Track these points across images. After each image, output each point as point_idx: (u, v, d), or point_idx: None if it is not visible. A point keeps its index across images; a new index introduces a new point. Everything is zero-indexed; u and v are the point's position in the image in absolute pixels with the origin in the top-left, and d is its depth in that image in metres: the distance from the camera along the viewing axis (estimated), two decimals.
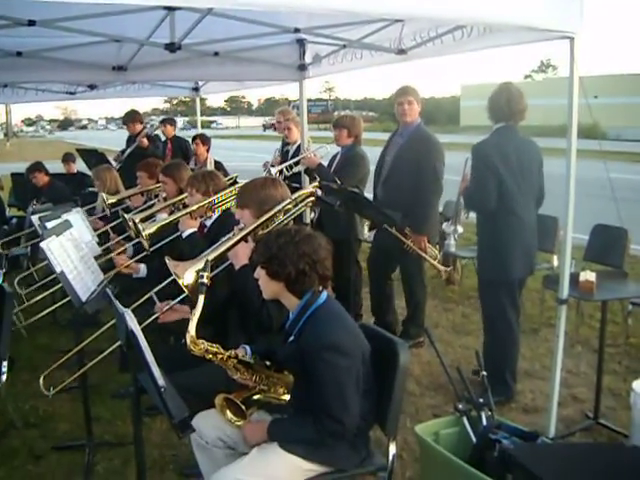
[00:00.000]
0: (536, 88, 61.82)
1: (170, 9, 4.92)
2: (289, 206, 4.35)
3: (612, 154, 25.37)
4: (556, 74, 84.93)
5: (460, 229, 6.92)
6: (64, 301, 5.11)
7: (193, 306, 3.45)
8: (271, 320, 3.86)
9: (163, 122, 11.69)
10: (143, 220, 5.32)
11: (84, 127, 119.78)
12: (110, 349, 4.49)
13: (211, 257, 3.90)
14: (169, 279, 4.33)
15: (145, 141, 10.28)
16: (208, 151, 9.81)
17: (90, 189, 8.86)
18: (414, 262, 6.86)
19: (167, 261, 4.05)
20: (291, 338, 3.42)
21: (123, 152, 10.80)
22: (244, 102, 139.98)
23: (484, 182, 5.41)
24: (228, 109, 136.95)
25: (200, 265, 3.78)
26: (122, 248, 6.02)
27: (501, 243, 5.51)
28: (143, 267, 5.81)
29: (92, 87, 8.74)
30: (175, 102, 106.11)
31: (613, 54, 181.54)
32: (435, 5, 3.82)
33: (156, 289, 4.70)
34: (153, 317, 4.62)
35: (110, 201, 6.76)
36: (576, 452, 3.77)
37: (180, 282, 3.86)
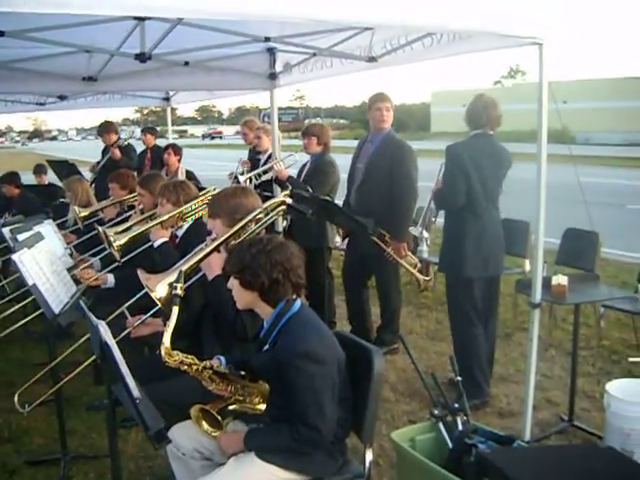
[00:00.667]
0: (506, 94, 62.16)
1: (140, 19, 4.92)
2: (260, 215, 4.34)
3: (581, 158, 25.58)
4: (525, 80, 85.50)
5: (426, 234, 6.99)
6: (36, 314, 5.07)
7: (167, 318, 3.44)
8: (245, 330, 3.85)
9: (144, 131, 11.64)
10: (118, 233, 5.29)
11: (54, 138, 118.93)
12: (86, 363, 4.47)
13: (184, 268, 3.88)
14: (142, 292, 4.32)
15: (117, 152, 10.25)
16: (179, 161, 9.76)
17: (61, 200, 8.79)
18: (390, 269, 6.89)
19: (139, 274, 4.03)
20: (266, 347, 3.41)
21: (98, 163, 10.75)
22: (215, 111, 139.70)
23: (455, 180, 5.55)
24: (199, 118, 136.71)
25: (172, 278, 3.77)
26: (87, 264, 5.96)
27: (457, 241, 5.65)
28: (111, 277, 5.76)
29: (62, 98, 8.71)
30: (146, 112, 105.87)
31: (582, 60, 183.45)
32: (405, 13, 3.85)
33: (128, 303, 4.68)
34: (125, 332, 4.59)
35: (82, 214, 6.71)
36: (551, 454, 3.80)
37: (153, 295, 3.84)
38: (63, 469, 4.68)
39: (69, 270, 5.53)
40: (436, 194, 5.91)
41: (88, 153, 12.89)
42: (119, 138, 10.82)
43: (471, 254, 5.63)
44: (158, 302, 3.82)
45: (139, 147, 11.62)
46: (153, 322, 4.73)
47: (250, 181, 7.70)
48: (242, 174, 8.12)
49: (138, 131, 13.54)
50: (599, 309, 6.91)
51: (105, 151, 10.84)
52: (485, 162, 5.55)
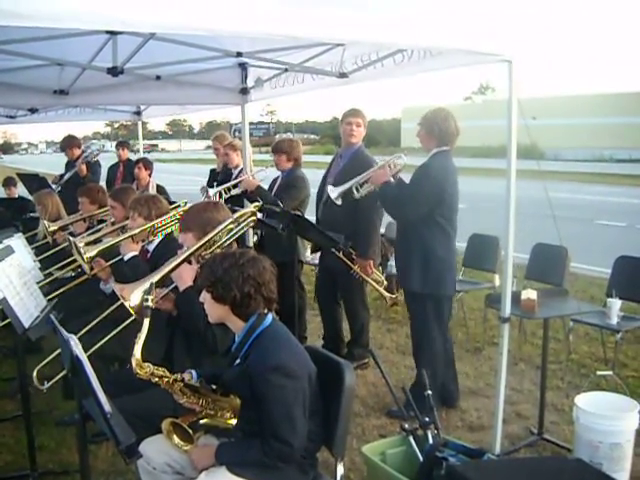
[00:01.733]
0: (476, 110, 62.91)
1: (113, 33, 4.92)
2: (231, 226, 4.36)
3: (550, 174, 25.85)
4: (495, 96, 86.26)
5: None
6: (3, 324, 5.01)
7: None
8: (216, 343, 3.86)
9: (118, 146, 11.61)
10: (89, 244, 5.27)
11: (24, 151, 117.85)
12: (56, 378, 4.44)
13: (155, 279, 3.89)
14: (116, 304, 4.31)
15: (84, 169, 10.20)
16: (150, 175, 9.71)
17: (31, 214, 8.75)
18: (355, 284, 6.91)
19: (113, 285, 4.03)
20: (237, 361, 3.41)
21: (62, 176, 10.69)
22: (185, 125, 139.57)
23: (419, 197, 5.55)
24: (170, 132, 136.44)
25: (145, 286, 3.78)
26: (74, 265, 5.88)
27: (437, 259, 5.62)
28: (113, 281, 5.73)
29: (33, 111, 8.64)
30: (117, 126, 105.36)
31: (550, 77, 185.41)
32: (376, 29, 3.89)
33: (107, 312, 4.67)
34: (114, 333, 4.58)
35: (52, 228, 6.68)
36: (522, 466, 3.83)
37: (126, 304, 3.83)
38: None
39: (44, 280, 5.52)
40: (389, 190, 5.79)
41: (58, 167, 12.81)
42: (82, 152, 10.79)
43: (451, 273, 5.77)
44: (131, 311, 3.81)
45: (111, 160, 11.59)
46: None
47: (220, 195, 7.68)
48: (212, 187, 8.10)
49: (108, 145, 13.54)
50: (568, 323, 6.97)
51: (68, 165, 10.80)
52: (453, 180, 5.65)
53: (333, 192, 6.19)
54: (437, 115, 5.65)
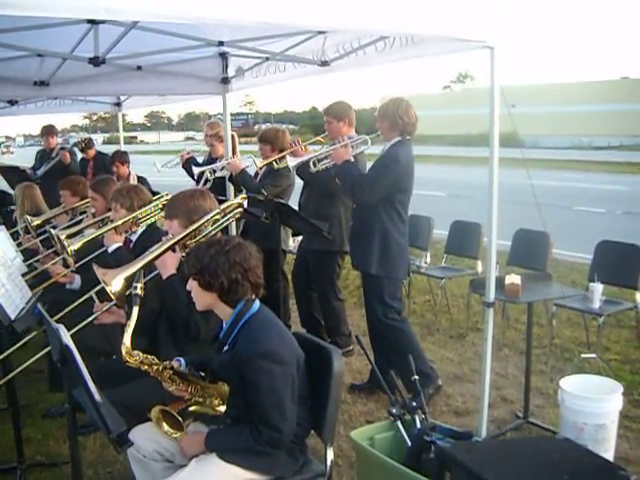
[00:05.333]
0: (455, 98, 63.10)
1: (94, 22, 4.88)
2: (217, 217, 4.37)
3: (530, 161, 25.95)
4: (474, 85, 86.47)
5: None
6: None
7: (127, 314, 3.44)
8: (198, 330, 3.88)
9: (82, 151, 11.35)
10: (70, 236, 5.25)
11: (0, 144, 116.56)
12: (33, 358, 4.43)
13: (139, 266, 3.88)
14: (97, 287, 4.31)
15: (68, 156, 10.15)
16: (128, 167, 9.63)
17: (12, 207, 8.68)
18: (326, 273, 6.99)
19: (94, 268, 4.01)
20: (225, 347, 3.42)
21: (34, 168, 10.61)
22: (164, 117, 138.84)
23: (385, 182, 5.60)
24: (148, 125, 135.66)
25: (128, 272, 3.78)
26: (55, 260, 5.90)
27: (395, 244, 5.72)
28: (77, 278, 5.74)
29: (12, 103, 8.56)
30: (95, 118, 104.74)
31: (529, 65, 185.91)
32: (357, 16, 3.89)
33: (88, 294, 4.67)
34: (92, 317, 4.56)
35: (35, 223, 6.63)
36: (511, 447, 3.88)
37: (108, 289, 3.83)
38: (19, 478, 4.60)
39: (29, 273, 5.50)
40: (350, 169, 5.81)
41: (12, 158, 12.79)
42: (57, 143, 10.76)
43: (405, 259, 5.91)
44: (113, 297, 3.80)
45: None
46: (117, 312, 4.70)
47: (206, 182, 7.66)
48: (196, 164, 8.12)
49: (73, 140, 13.35)
50: (551, 308, 7.02)
51: (43, 156, 10.73)
52: (412, 169, 5.74)
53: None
54: (399, 107, 5.66)
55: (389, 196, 5.63)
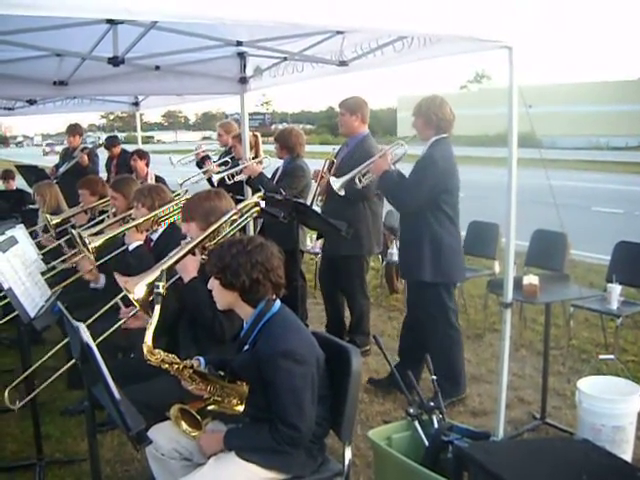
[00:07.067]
0: (472, 98, 62.90)
1: (113, 22, 4.90)
2: (235, 217, 4.37)
3: (548, 162, 25.88)
4: (491, 84, 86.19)
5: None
6: (5, 319, 5.03)
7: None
8: (223, 331, 3.89)
9: (107, 147, 11.49)
10: (93, 235, 5.28)
11: (20, 144, 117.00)
12: (64, 368, 4.45)
13: (159, 271, 3.89)
14: (120, 295, 4.33)
15: (86, 159, 10.22)
16: (147, 165, 9.67)
17: (30, 206, 8.73)
18: (354, 271, 6.98)
19: (116, 276, 4.04)
20: (246, 347, 3.44)
21: (57, 167, 10.68)
22: (181, 117, 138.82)
23: (424, 186, 5.52)
24: (165, 124, 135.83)
25: (150, 278, 3.78)
26: (82, 255, 5.91)
27: (447, 248, 5.61)
28: (103, 277, 5.76)
29: (31, 102, 8.62)
30: (112, 117, 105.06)
31: (546, 64, 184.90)
32: (376, 16, 3.89)
33: (113, 301, 4.69)
34: (119, 323, 4.58)
35: (54, 222, 6.66)
36: (529, 447, 3.86)
37: (131, 297, 3.84)
38: (38, 474, 4.64)
39: (48, 272, 5.52)
40: (391, 180, 5.75)
41: (55, 159, 12.81)
42: (81, 142, 10.81)
43: (460, 262, 5.85)
44: (136, 304, 3.81)
45: (104, 155, 11.56)
46: (142, 316, 4.71)
47: (222, 182, 7.67)
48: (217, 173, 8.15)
49: (104, 137, 13.43)
50: (569, 309, 6.99)
51: (66, 154, 10.79)
52: (455, 169, 5.67)
53: (335, 183, 6.19)
54: (433, 103, 5.63)
55: (434, 198, 5.53)
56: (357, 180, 6.07)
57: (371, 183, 6.09)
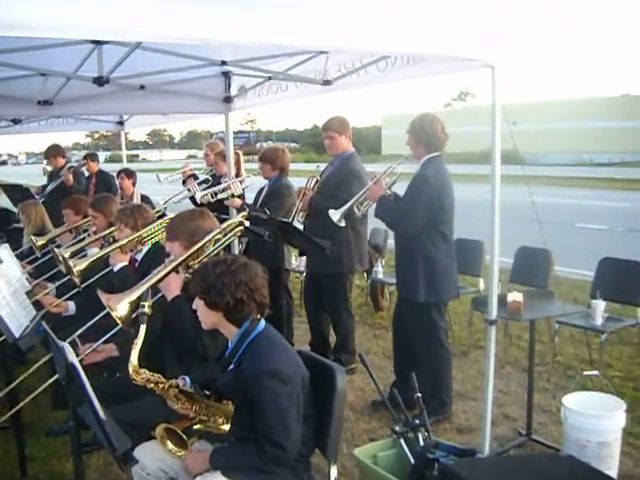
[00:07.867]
0: (457, 116, 63.10)
1: (98, 43, 4.92)
2: (218, 236, 4.36)
3: (532, 178, 25.98)
4: (475, 102, 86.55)
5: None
6: None
7: (125, 341, 3.45)
8: (205, 350, 3.88)
9: (86, 158, 11.47)
10: (73, 254, 5.27)
11: (4, 163, 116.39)
12: (47, 382, 4.43)
13: (143, 289, 3.88)
14: (102, 313, 4.31)
15: (71, 178, 10.19)
16: (134, 185, 9.67)
17: (15, 225, 8.70)
18: (339, 291, 6.99)
19: (99, 294, 4.03)
20: (231, 366, 3.44)
21: (44, 187, 10.65)
22: (166, 135, 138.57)
23: (419, 207, 5.52)
24: (150, 142, 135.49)
25: (133, 296, 3.77)
26: (47, 290, 5.90)
27: (442, 268, 5.63)
28: (72, 304, 5.74)
29: (16, 122, 8.62)
30: (97, 136, 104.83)
31: (532, 82, 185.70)
32: (359, 36, 3.91)
33: (88, 324, 4.67)
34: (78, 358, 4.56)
35: (40, 243, 6.64)
36: (515, 464, 3.88)
37: (114, 314, 3.83)
38: None
39: (27, 295, 5.49)
40: (387, 205, 5.78)
41: (39, 178, 12.78)
42: (67, 162, 10.77)
43: (454, 280, 5.83)
44: (119, 321, 3.80)
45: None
46: (105, 349, 4.74)
47: (207, 204, 7.67)
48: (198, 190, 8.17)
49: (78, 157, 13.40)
50: (553, 325, 7.02)
51: (52, 175, 10.75)
52: (449, 186, 5.66)
53: (335, 215, 6.14)
54: (423, 120, 5.65)
55: (432, 218, 5.54)
56: (356, 209, 6.08)
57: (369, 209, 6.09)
